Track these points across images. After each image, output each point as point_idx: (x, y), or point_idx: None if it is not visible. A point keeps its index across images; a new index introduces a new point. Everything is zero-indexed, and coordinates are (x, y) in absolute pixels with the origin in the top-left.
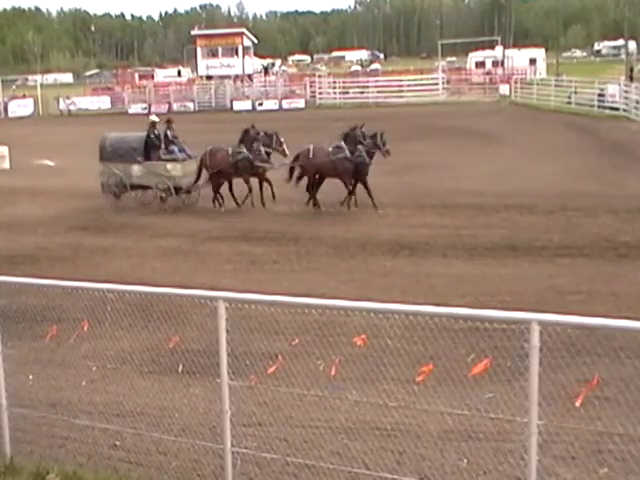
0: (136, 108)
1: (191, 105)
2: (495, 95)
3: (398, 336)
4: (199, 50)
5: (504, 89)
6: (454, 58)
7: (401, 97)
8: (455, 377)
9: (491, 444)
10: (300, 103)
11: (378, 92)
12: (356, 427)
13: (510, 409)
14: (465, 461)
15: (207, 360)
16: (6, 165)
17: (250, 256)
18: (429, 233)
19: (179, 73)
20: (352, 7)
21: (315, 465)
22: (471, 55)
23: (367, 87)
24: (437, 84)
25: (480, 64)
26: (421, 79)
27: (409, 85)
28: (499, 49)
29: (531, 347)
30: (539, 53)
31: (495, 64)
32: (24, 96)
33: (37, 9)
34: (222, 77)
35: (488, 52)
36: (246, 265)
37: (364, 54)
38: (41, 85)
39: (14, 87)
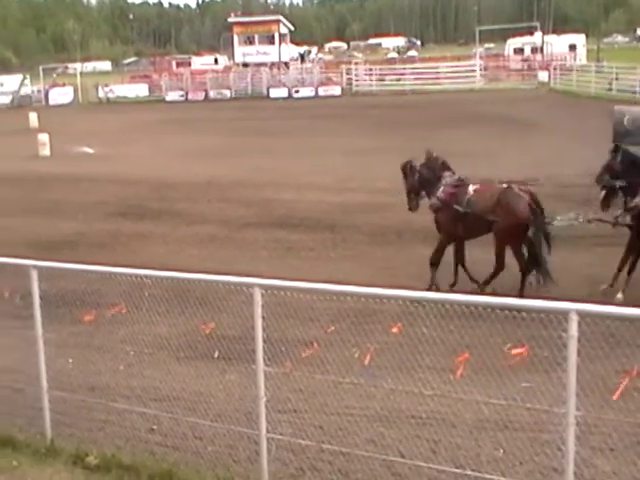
0: (173, 95)
1: (227, 92)
2: (533, 82)
3: (434, 324)
4: (236, 37)
5: (543, 76)
6: (492, 45)
7: (438, 84)
8: (491, 366)
9: (528, 434)
10: (336, 90)
11: (414, 79)
12: (391, 415)
13: (547, 399)
14: (501, 451)
15: (243, 346)
16: (47, 152)
17: (286, 243)
18: None
19: (216, 61)
20: None
21: (350, 452)
22: (509, 41)
23: (403, 74)
24: (474, 71)
25: (518, 50)
26: (458, 66)
27: (446, 72)
28: (538, 35)
29: (569, 337)
30: (579, 39)
31: (534, 50)
32: (64, 84)
33: None
34: (258, 64)
35: (527, 38)
36: (282, 252)
37: (401, 41)
38: (80, 73)
39: (55, 75)
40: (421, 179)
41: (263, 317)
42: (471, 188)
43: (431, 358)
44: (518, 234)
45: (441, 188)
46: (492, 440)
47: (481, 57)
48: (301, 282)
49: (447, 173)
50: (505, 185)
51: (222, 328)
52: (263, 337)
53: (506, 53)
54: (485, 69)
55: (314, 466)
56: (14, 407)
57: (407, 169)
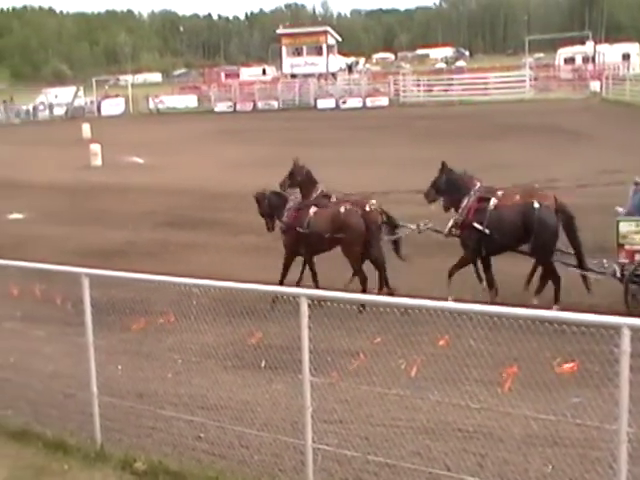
0: (222, 106)
1: (275, 103)
2: (585, 92)
3: (481, 337)
4: (284, 49)
5: (594, 85)
6: (542, 54)
7: (486, 95)
8: (540, 380)
9: (577, 451)
10: (383, 101)
11: (463, 90)
12: (437, 428)
13: (598, 415)
14: (550, 467)
15: (289, 356)
16: (98, 162)
17: (333, 254)
18: None
19: (264, 72)
20: (437, 4)
21: (396, 464)
22: (560, 51)
23: (451, 85)
24: (524, 81)
25: (569, 60)
26: (507, 76)
27: (495, 82)
28: (589, 44)
29: (621, 352)
30: (633, 48)
31: (585, 60)
32: (116, 95)
33: (129, 11)
34: (306, 75)
35: (578, 47)
36: (329, 263)
37: (449, 51)
38: (132, 85)
39: (107, 87)
40: (270, 205)
41: (309, 327)
42: (312, 210)
43: (478, 371)
44: (357, 248)
45: (285, 213)
46: (541, 456)
47: (531, 67)
48: (347, 293)
49: (292, 197)
50: (343, 207)
51: (269, 337)
52: (309, 347)
53: (557, 63)
54: (535, 79)
55: (359, 477)
56: (66, 412)
57: (258, 197)
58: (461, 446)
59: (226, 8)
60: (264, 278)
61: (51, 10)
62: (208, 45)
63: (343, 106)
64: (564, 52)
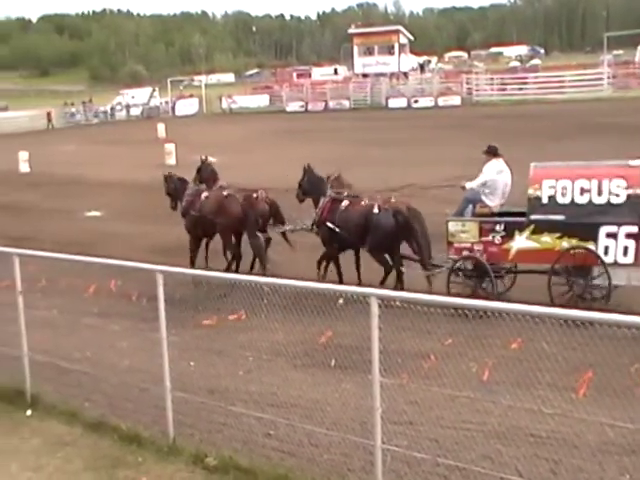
0: (294, 106)
1: (347, 103)
2: None
3: (555, 341)
4: (355, 48)
5: None
6: (621, 51)
7: (562, 93)
8: (617, 387)
9: None
10: (456, 100)
11: (538, 88)
12: (509, 432)
13: None
14: (627, 477)
15: (359, 356)
16: (172, 161)
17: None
18: None
19: (335, 71)
20: (511, 1)
21: (466, 468)
22: None
23: (526, 83)
24: (601, 79)
25: None
26: (584, 74)
27: (571, 81)
28: None
29: None
30: None
31: None
32: (190, 96)
33: (203, 13)
34: (378, 75)
35: None
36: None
37: (523, 49)
38: (205, 85)
39: (181, 87)
40: (174, 187)
41: (380, 328)
42: (203, 195)
43: (552, 375)
44: (229, 230)
45: (184, 198)
46: (617, 464)
47: (609, 64)
48: (418, 294)
49: (190, 185)
50: (227, 192)
51: (339, 337)
52: (380, 348)
53: (637, 60)
54: (613, 77)
55: None
56: (140, 405)
57: (166, 178)
58: (533, 452)
59: (298, 8)
60: (334, 278)
61: (129, 13)
62: (280, 45)
63: (415, 105)
64: None
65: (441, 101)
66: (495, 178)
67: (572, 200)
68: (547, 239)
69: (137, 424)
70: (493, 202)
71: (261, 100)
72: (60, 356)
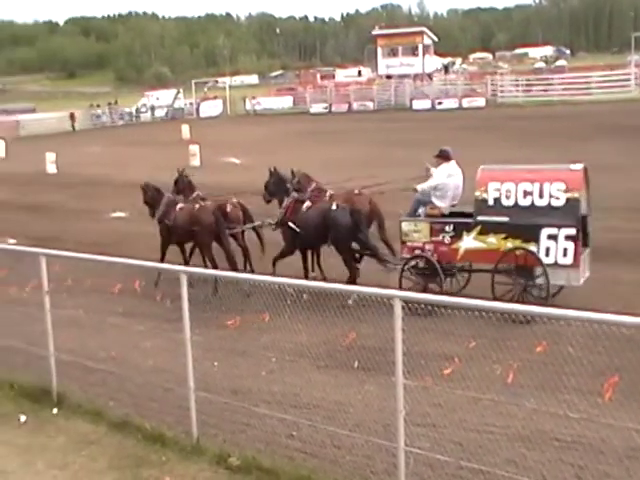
0: (317, 107)
1: (370, 104)
2: None
3: (580, 344)
4: (379, 50)
5: None
6: None
7: (589, 94)
8: None
9: None
10: (480, 102)
11: (563, 89)
12: (533, 436)
13: None
14: None
15: (382, 357)
16: (197, 162)
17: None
18: (615, 237)
19: (359, 73)
20: (537, 1)
21: (490, 471)
22: None
23: (551, 84)
24: (629, 80)
25: None
26: (611, 75)
27: (597, 82)
28: None
29: None
30: None
31: None
32: (214, 97)
33: (228, 15)
34: (402, 76)
35: None
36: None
37: (549, 50)
38: (229, 86)
39: (206, 89)
40: (151, 197)
41: (403, 330)
42: (178, 206)
43: (577, 379)
44: (206, 239)
45: (160, 207)
46: None
47: (637, 65)
48: (442, 296)
49: (167, 194)
50: (198, 204)
51: (362, 338)
52: (403, 350)
53: None
54: None
55: None
56: (164, 405)
57: (143, 187)
58: (558, 456)
59: (322, 10)
60: (358, 280)
61: (154, 15)
62: (304, 47)
63: (439, 107)
64: None
65: (465, 102)
66: (445, 181)
67: (516, 202)
68: (493, 240)
69: (161, 424)
70: (443, 204)
71: (285, 101)
72: (85, 355)
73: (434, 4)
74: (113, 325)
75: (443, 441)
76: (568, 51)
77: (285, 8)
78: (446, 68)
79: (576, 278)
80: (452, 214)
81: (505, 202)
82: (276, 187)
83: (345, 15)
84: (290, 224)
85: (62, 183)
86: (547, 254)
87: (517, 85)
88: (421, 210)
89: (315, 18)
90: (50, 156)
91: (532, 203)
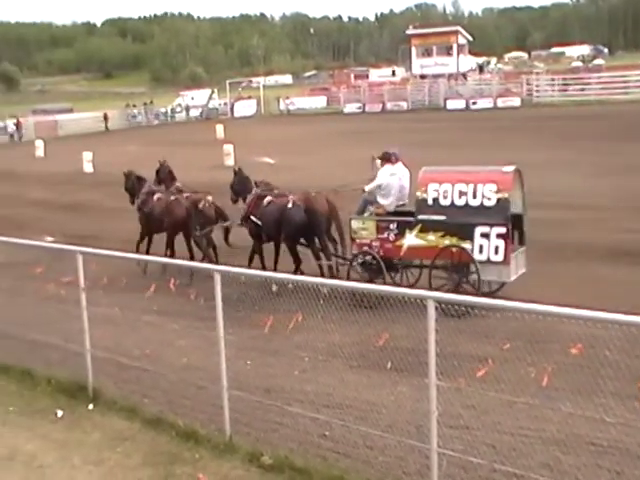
0: (351, 107)
1: (404, 104)
2: None
3: (618, 348)
4: (413, 49)
5: None
6: None
7: (627, 94)
8: None
9: None
10: (515, 101)
11: (601, 89)
12: (569, 440)
13: None
14: None
15: (415, 358)
16: (231, 162)
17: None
18: None
19: (393, 73)
20: (574, 0)
21: (524, 475)
22: None
23: (589, 84)
24: None
25: None
26: None
27: (636, 81)
28: None
29: None
30: None
31: None
32: (249, 97)
33: (262, 15)
34: (436, 76)
35: None
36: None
37: (586, 49)
38: (263, 86)
39: (240, 89)
40: (132, 185)
41: (437, 330)
42: (155, 197)
43: (614, 383)
44: (173, 230)
45: (140, 196)
46: None
47: None
48: (476, 297)
49: (147, 183)
50: (174, 196)
51: (395, 339)
52: (436, 351)
53: None
54: None
55: None
56: (197, 403)
57: (126, 175)
58: (594, 461)
59: (356, 9)
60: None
61: (189, 16)
62: (338, 46)
63: (473, 107)
64: None
65: (500, 102)
66: (389, 181)
67: (452, 202)
68: (432, 237)
69: (194, 421)
70: (387, 202)
71: (318, 101)
72: (120, 352)
73: (469, 3)
74: (147, 323)
75: (476, 443)
76: (606, 50)
77: (319, 8)
78: (481, 68)
79: (507, 274)
80: (399, 213)
81: (443, 202)
82: (240, 187)
83: (379, 15)
84: (252, 218)
85: (99, 182)
86: (480, 251)
87: (553, 84)
88: (369, 209)
89: (349, 18)
90: (87, 155)
91: (466, 203)
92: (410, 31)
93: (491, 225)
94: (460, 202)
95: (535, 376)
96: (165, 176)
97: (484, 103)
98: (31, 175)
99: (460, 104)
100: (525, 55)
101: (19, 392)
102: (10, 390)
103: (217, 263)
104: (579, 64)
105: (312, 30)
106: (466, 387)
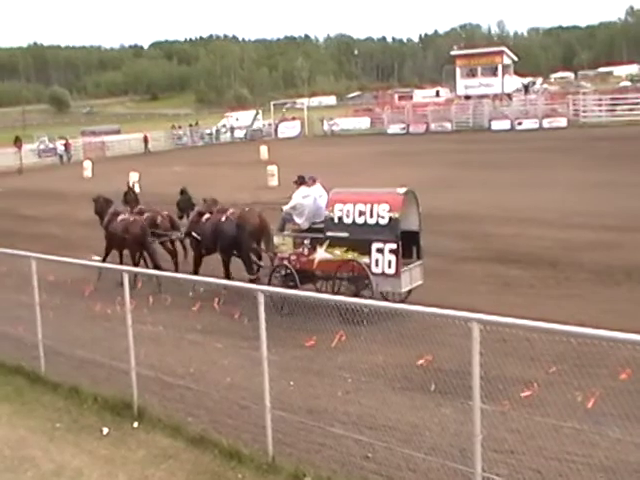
0: (395, 128)
1: (448, 125)
2: None
3: None
4: (458, 70)
5: None
6: None
7: None
8: None
9: None
10: (562, 122)
11: None
12: (617, 467)
13: None
14: None
15: (459, 381)
16: (274, 182)
17: (504, 278)
18: None
19: (437, 93)
20: (622, 18)
21: None
22: None
23: (638, 104)
24: None
25: None
26: None
27: None
28: None
29: None
30: None
31: None
32: (293, 118)
33: (306, 37)
34: (481, 96)
35: None
36: (500, 287)
37: (634, 68)
38: (307, 107)
39: (284, 110)
40: (100, 207)
41: (481, 353)
42: (119, 218)
43: None
44: (133, 246)
45: (106, 217)
46: None
47: None
48: (522, 319)
49: (113, 205)
50: (133, 217)
51: (439, 361)
52: (480, 373)
53: None
54: None
55: None
56: (240, 422)
57: (94, 199)
58: None
59: (400, 30)
60: (434, 301)
61: (234, 38)
62: (382, 68)
63: (518, 127)
64: None
65: (546, 123)
66: (301, 202)
67: (353, 220)
68: (338, 252)
69: (237, 440)
70: (300, 221)
71: (362, 122)
72: (165, 371)
73: (514, 23)
74: (192, 342)
75: (522, 468)
76: None
77: (363, 29)
78: (526, 88)
79: (398, 286)
80: (314, 230)
81: (346, 220)
82: (184, 204)
83: (423, 36)
84: (193, 233)
85: (145, 202)
86: (377, 265)
87: (600, 104)
88: (287, 226)
89: (393, 39)
90: (134, 176)
91: (365, 221)
92: (455, 52)
93: (384, 241)
94: (360, 220)
95: (582, 400)
96: (130, 199)
97: (529, 124)
98: (79, 195)
99: (505, 125)
100: (571, 75)
101: (66, 408)
102: (58, 406)
103: (177, 271)
104: (627, 83)
105: (356, 51)
106: (511, 411)
